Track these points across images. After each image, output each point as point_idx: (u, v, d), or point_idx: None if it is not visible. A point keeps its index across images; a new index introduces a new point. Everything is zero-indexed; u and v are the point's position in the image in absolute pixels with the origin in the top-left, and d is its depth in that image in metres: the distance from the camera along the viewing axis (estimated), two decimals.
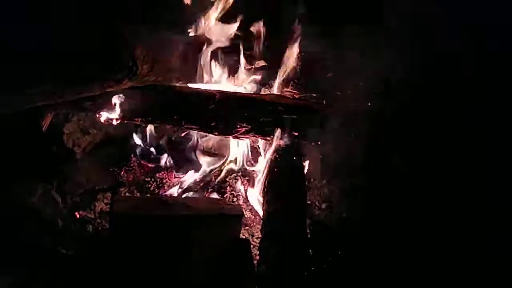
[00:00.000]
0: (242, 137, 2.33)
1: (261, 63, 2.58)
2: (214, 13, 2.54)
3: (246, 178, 2.61)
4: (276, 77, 2.60)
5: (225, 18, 2.55)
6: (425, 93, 2.47)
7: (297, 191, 2.19)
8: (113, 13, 2.16)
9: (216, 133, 2.29)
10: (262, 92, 2.57)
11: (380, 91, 2.51)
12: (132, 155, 2.67)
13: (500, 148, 2.30)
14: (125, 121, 2.27)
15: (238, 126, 2.23)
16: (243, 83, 2.58)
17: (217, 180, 2.57)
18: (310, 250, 2.11)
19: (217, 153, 2.65)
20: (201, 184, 2.53)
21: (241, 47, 2.57)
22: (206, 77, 2.45)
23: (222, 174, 2.59)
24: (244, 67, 2.59)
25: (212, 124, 2.23)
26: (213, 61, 2.47)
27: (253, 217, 2.48)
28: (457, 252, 2.13)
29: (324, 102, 2.56)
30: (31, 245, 2.04)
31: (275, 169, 2.24)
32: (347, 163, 2.32)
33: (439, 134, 2.41)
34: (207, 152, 2.64)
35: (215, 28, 2.53)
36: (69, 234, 2.21)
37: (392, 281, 2.05)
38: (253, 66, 2.59)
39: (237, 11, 2.56)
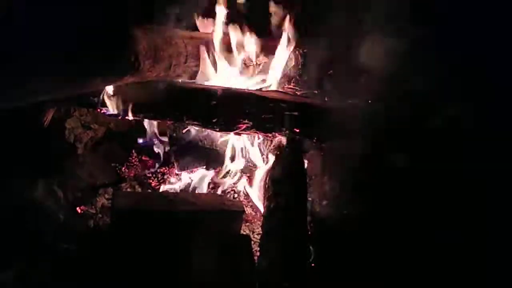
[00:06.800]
0: (243, 134, 2.33)
1: (263, 59, 2.57)
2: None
3: (247, 175, 2.61)
4: (277, 74, 2.60)
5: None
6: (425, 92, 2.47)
7: (298, 188, 2.19)
8: (115, 8, 2.16)
9: (218, 130, 2.29)
10: (263, 89, 2.57)
11: (381, 89, 2.50)
12: (134, 151, 2.68)
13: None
14: (126, 117, 2.26)
15: (239, 123, 2.23)
16: (245, 80, 2.57)
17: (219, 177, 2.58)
18: (311, 247, 2.12)
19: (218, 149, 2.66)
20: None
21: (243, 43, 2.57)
22: (208, 73, 2.44)
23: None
24: (246, 64, 2.59)
25: (214, 120, 2.23)
26: (215, 57, 2.46)
27: (254, 213, 2.49)
28: (458, 251, 2.13)
29: (326, 99, 2.55)
30: (32, 240, 2.05)
31: (276, 166, 2.25)
32: (348, 160, 2.32)
33: (440, 131, 2.40)
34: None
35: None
36: (71, 229, 2.21)
37: (392, 278, 2.06)
38: (255, 63, 2.58)
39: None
